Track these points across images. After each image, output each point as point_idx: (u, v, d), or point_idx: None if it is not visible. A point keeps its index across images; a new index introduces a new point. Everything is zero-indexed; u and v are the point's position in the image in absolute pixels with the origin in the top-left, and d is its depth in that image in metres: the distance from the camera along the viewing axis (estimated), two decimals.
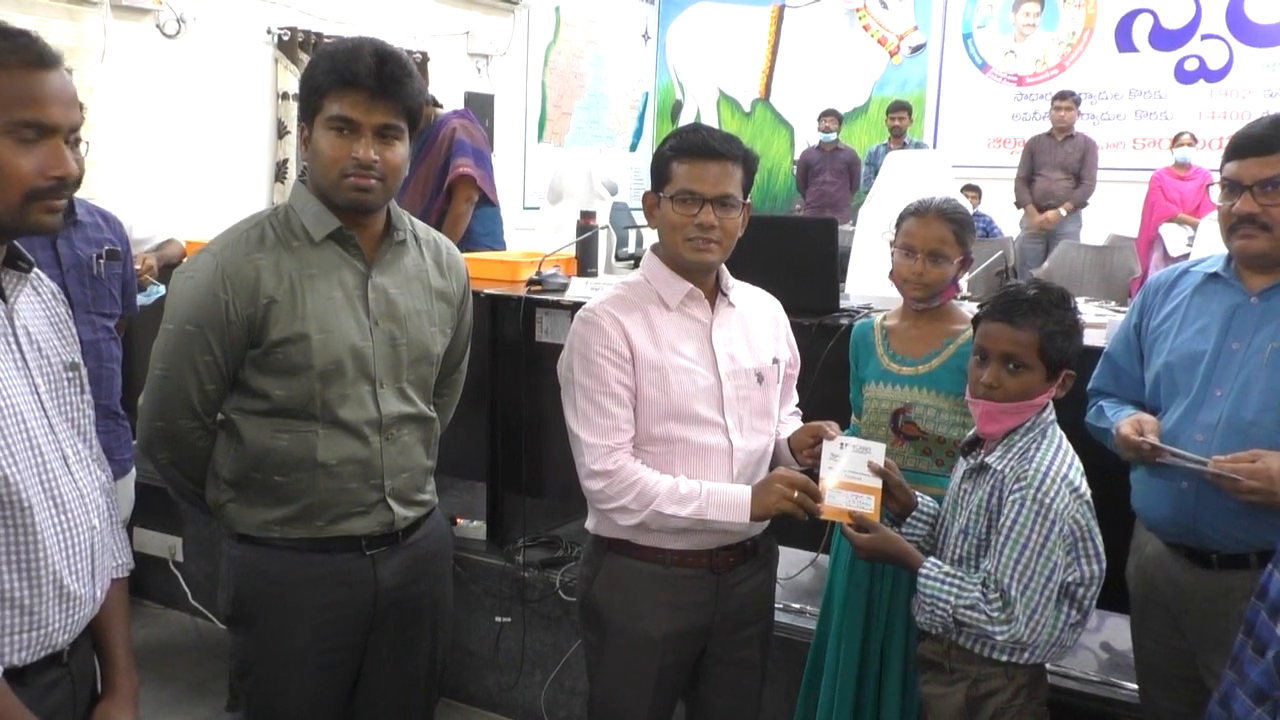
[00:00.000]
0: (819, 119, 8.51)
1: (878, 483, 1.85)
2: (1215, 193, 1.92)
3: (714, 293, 1.91)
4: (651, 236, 1.95)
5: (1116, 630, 2.54)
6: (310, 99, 1.72)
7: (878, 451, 1.86)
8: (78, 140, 1.33)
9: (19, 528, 1.27)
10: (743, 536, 1.90)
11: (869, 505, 1.84)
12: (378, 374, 1.79)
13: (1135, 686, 2.13)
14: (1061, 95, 7.43)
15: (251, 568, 1.80)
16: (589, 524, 1.97)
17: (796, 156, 9.83)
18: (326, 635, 1.81)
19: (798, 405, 2.14)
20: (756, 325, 1.96)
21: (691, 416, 1.85)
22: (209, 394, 1.75)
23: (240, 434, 1.76)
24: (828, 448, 1.86)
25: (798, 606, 2.74)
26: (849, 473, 1.84)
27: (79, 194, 2.58)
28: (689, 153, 1.81)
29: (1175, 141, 7.15)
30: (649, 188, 1.88)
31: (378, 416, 1.79)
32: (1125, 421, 1.89)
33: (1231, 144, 1.84)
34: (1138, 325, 2.01)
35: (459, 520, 3.18)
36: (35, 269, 1.40)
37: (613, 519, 1.86)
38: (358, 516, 1.80)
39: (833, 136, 8.42)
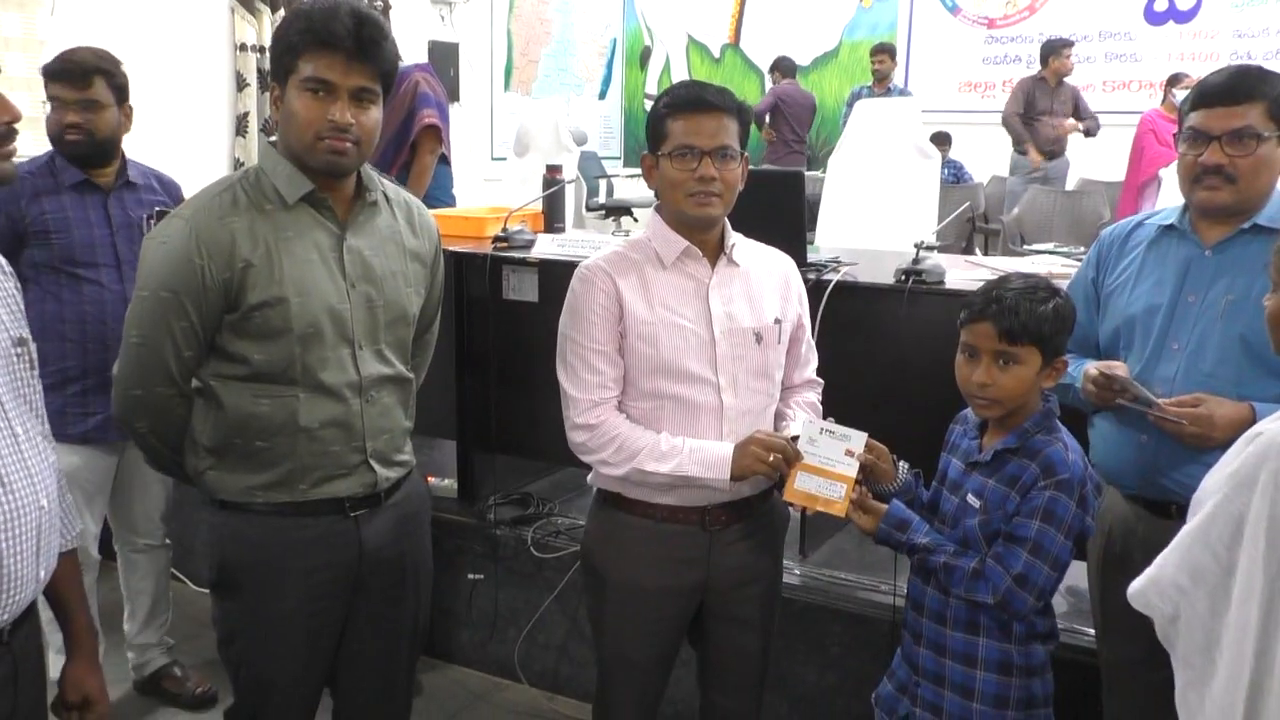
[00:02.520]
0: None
1: (852, 471, 1.80)
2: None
3: (716, 250, 1.91)
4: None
5: (1074, 576, 2.57)
6: (283, 59, 1.69)
7: (857, 439, 1.81)
8: None
9: None
10: (734, 495, 1.91)
11: (839, 493, 1.79)
12: (356, 336, 1.78)
13: (1092, 632, 2.17)
14: (1068, 44, 7.29)
15: (235, 534, 1.79)
16: (589, 478, 2.00)
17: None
18: (313, 599, 1.81)
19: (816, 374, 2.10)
20: (762, 284, 1.95)
21: (682, 373, 1.86)
22: (186, 360, 1.73)
23: (220, 400, 1.75)
24: (806, 430, 1.83)
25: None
26: (824, 458, 1.80)
27: (133, 156, 2.68)
28: (684, 107, 1.81)
29: (1175, 82, 6.89)
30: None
31: (357, 379, 1.79)
32: (1092, 364, 1.90)
33: (1197, 93, 1.82)
34: (1095, 280, 2.02)
35: (430, 479, 3.18)
36: None
37: (597, 470, 1.91)
38: (340, 479, 1.80)
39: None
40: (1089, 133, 7.28)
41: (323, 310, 1.73)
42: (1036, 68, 7.51)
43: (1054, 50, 7.29)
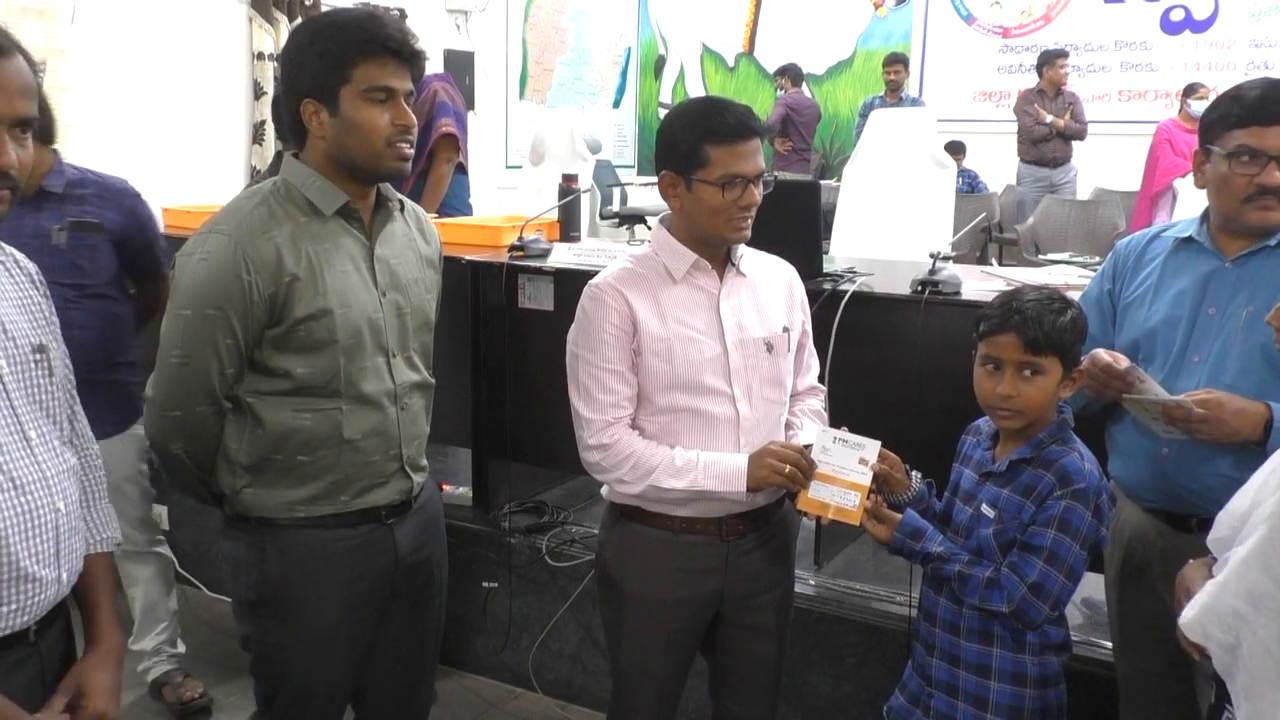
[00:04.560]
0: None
1: (866, 479, 1.79)
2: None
3: (723, 263, 1.91)
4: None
5: (1091, 588, 2.56)
6: (334, 72, 1.66)
7: (871, 449, 1.80)
8: (28, 129, 1.31)
9: None
10: (750, 505, 1.90)
11: (853, 501, 1.79)
12: (389, 344, 1.80)
13: (1109, 645, 2.16)
14: (1063, 54, 7.32)
15: (278, 551, 1.78)
16: (603, 490, 2.00)
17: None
18: (354, 608, 1.83)
19: (819, 380, 2.10)
20: (768, 293, 1.96)
21: (698, 386, 1.86)
22: (228, 378, 1.73)
23: (259, 416, 1.74)
24: (820, 439, 1.83)
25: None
26: (838, 467, 1.80)
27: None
28: (728, 136, 1.78)
29: (1191, 93, 6.91)
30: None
31: (393, 387, 1.81)
32: (1098, 350, 1.86)
33: (1249, 109, 1.75)
34: (1110, 291, 2.01)
35: (445, 486, 3.19)
36: (10, 250, 1.39)
37: (613, 487, 1.91)
38: (379, 487, 1.82)
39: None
40: (1068, 134, 7.25)
41: (363, 320, 1.75)
42: None
43: (1048, 61, 7.33)
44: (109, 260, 2.65)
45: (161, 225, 3.76)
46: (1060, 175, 7.32)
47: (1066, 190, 7.30)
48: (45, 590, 1.36)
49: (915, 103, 8.02)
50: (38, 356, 1.39)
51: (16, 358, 1.36)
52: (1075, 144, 7.38)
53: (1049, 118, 7.18)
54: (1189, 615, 1.30)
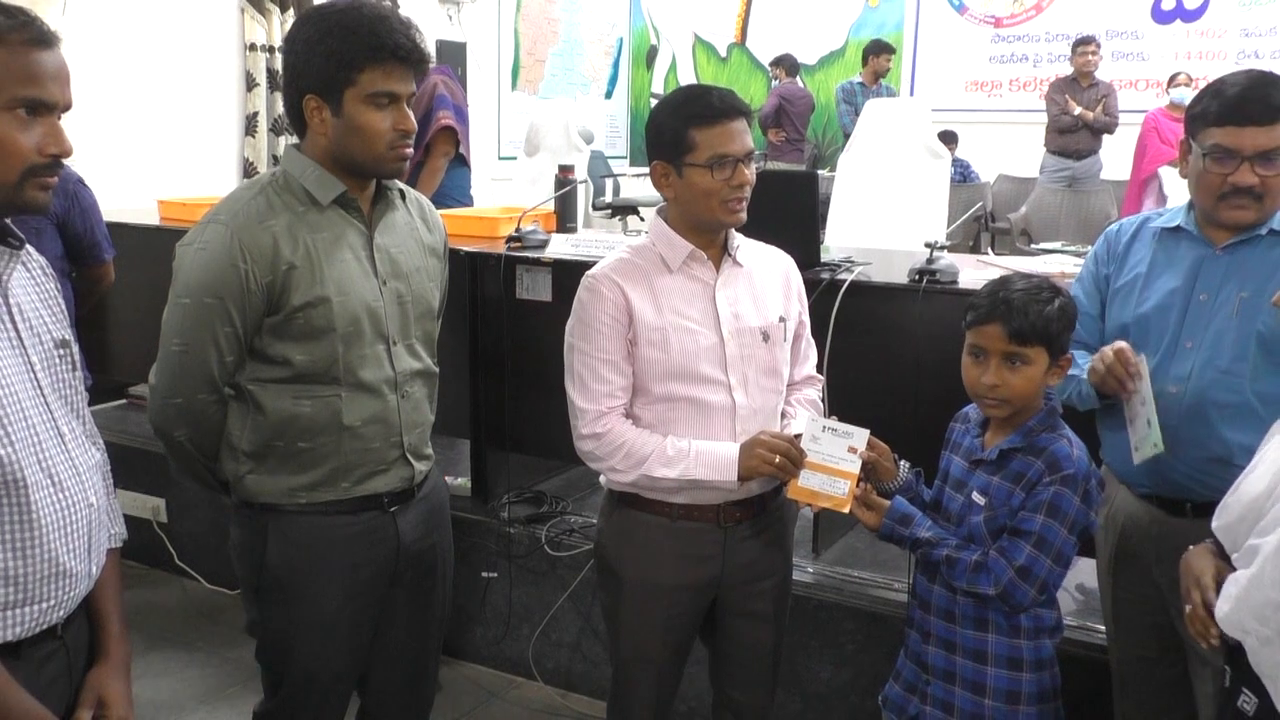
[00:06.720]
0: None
1: (855, 467, 1.82)
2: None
3: (720, 252, 1.92)
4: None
5: (1084, 573, 2.59)
6: (340, 74, 1.67)
7: (860, 437, 1.83)
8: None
9: (15, 506, 1.28)
10: (747, 493, 1.92)
11: (843, 489, 1.81)
12: (390, 332, 1.82)
13: (1103, 629, 2.18)
14: (1086, 40, 7.23)
15: (279, 536, 1.81)
16: (601, 478, 2.01)
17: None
18: (356, 595, 1.84)
19: (816, 370, 2.12)
20: (765, 283, 1.97)
21: (694, 376, 1.87)
22: (228, 365, 1.75)
23: (260, 403, 1.76)
24: (809, 427, 1.85)
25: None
26: (827, 455, 1.82)
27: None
28: (712, 118, 1.80)
29: (1172, 82, 7.00)
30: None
31: (393, 375, 1.82)
32: (1116, 343, 1.86)
33: (1222, 108, 1.76)
34: (1101, 274, 2.02)
35: (444, 477, 3.19)
36: (26, 245, 1.39)
37: (607, 476, 1.92)
38: (380, 475, 1.84)
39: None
40: (1096, 127, 7.19)
41: (361, 308, 1.77)
42: (1043, 67, 7.50)
43: (1074, 48, 7.26)
44: (53, 243, 2.63)
45: (156, 217, 3.78)
46: (1083, 169, 7.23)
47: (1088, 184, 7.20)
48: (78, 585, 1.37)
49: (890, 93, 7.98)
50: (61, 351, 1.40)
51: (44, 353, 1.37)
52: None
53: (1076, 109, 7.11)
54: (1224, 610, 1.28)
